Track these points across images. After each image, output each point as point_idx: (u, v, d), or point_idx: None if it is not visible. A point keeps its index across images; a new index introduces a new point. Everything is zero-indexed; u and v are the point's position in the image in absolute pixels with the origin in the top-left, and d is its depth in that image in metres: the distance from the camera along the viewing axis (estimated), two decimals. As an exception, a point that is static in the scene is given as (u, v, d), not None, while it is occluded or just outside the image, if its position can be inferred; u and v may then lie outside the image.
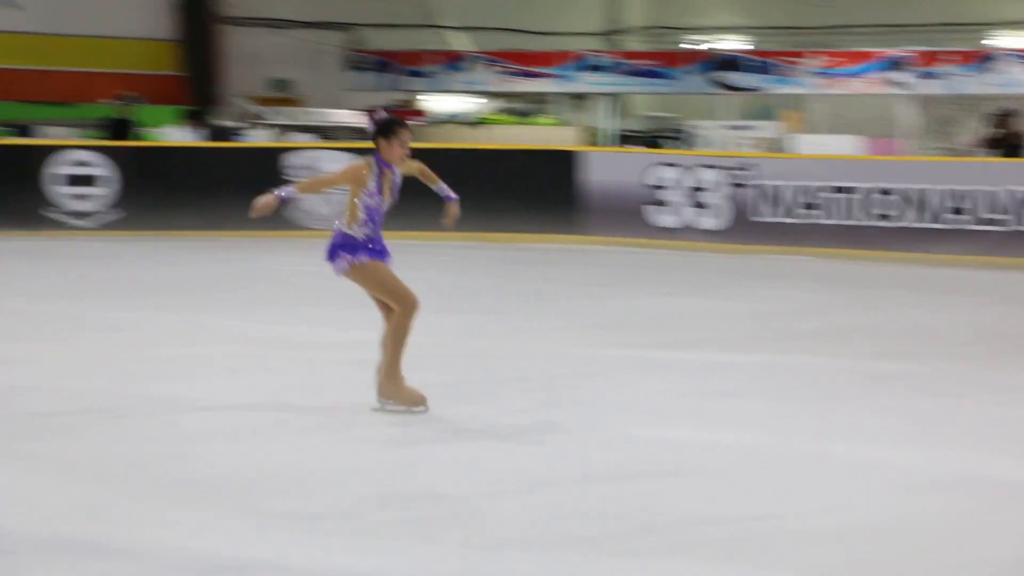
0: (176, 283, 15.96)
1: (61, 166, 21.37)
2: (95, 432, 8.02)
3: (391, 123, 8.46)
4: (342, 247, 8.37)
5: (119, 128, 23.15)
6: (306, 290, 15.08)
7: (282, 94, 29.15)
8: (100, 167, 21.49)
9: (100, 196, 21.43)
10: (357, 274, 8.41)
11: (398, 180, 8.55)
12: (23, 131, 23.84)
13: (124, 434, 7.99)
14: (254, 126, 24.95)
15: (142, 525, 6.02)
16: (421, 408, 8.48)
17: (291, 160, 21.69)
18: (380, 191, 8.41)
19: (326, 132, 25.07)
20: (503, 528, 6.14)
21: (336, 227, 8.43)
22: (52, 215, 21.28)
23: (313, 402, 8.92)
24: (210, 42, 28.75)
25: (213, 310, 13.49)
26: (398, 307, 8.39)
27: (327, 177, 8.89)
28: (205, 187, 21.45)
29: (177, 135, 23.44)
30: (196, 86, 27.98)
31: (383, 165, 8.43)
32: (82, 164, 21.46)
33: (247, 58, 29.19)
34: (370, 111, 8.88)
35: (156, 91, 26.83)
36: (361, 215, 8.35)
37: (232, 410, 8.66)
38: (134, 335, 11.71)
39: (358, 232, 8.36)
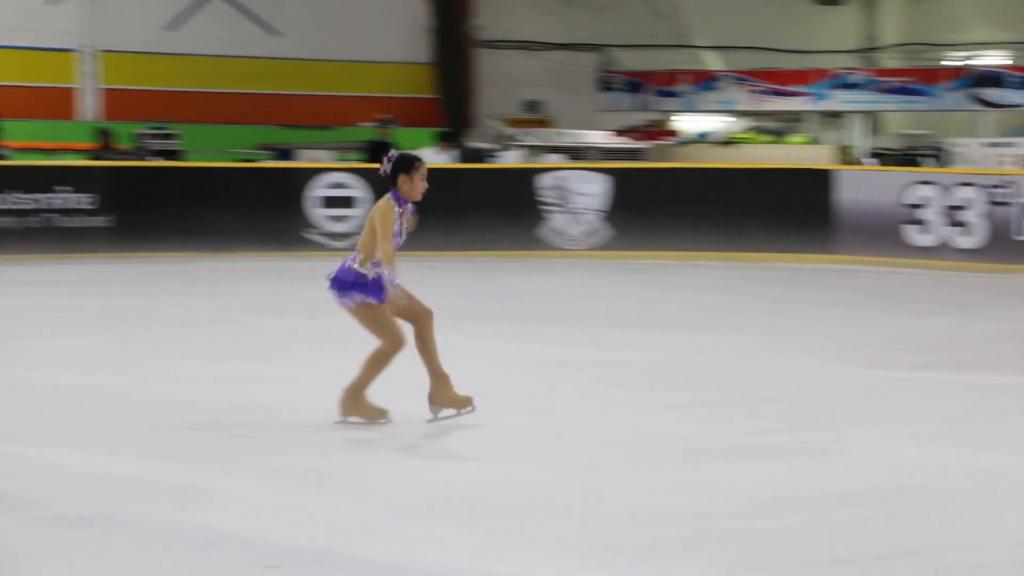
0: (425, 303, 16.06)
1: (320, 188, 21.76)
2: (346, 448, 8.09)
3: (411, 159, 8.60)
4: (354, 286, 8.42)
5: (378, 151, 23.42)
6: (551, 309, 15.08)
7: (534, 115, 29.31)
8: (357, 189, 21.82)
9: (356, 217, 21.76)
10: (361, 312, 8.48)
11: (412, 214, 8.70)
12: (284, 155, 24.35)
13: (373, 451, 8.04)
14: (506, 147, 25.10)
15: (400, 541, 6.03)
16: (383, 421, 8.44)
17: (543, 181, 21.76)
18: (401, 231, 8.53)
19: (577, 153, 25.11)
20: (758, 550, 6.01)
21: (348, 264, 8.46)
22: (311, 236, 21.68)
23: (556, 421, 8.87)
24: (464, 65, 29.04)
25: (459, 329, 13.52)
26: (387, 344, 8.45)
27: (385, 234, 8.51)
28: (457, 208, 21.62)
29: (429, 157, 23.68)
30: (450, 108, 28.28)
31: (401, 203, 8.52)
32: (340, 186, 21.82)
33: (500, 80, 29.42)
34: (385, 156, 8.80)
35: (411, 114, 27.18)
36: (377, 257, 8.39)
37: (487, 428, 8.65)
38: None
39: (370, 272, 8.38)
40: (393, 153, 8.67)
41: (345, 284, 8.43)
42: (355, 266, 8.40)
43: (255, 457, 7.75)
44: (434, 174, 23.73)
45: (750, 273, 19.50)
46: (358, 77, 28.92)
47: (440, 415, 8.47)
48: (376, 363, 8.46)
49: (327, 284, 8.52)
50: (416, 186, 8.54)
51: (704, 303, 15.97)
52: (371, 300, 8.38)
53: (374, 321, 8.45)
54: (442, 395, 8.46)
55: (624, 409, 8.73)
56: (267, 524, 6.26)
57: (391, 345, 8.43)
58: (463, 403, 8.49)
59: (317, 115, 27.90)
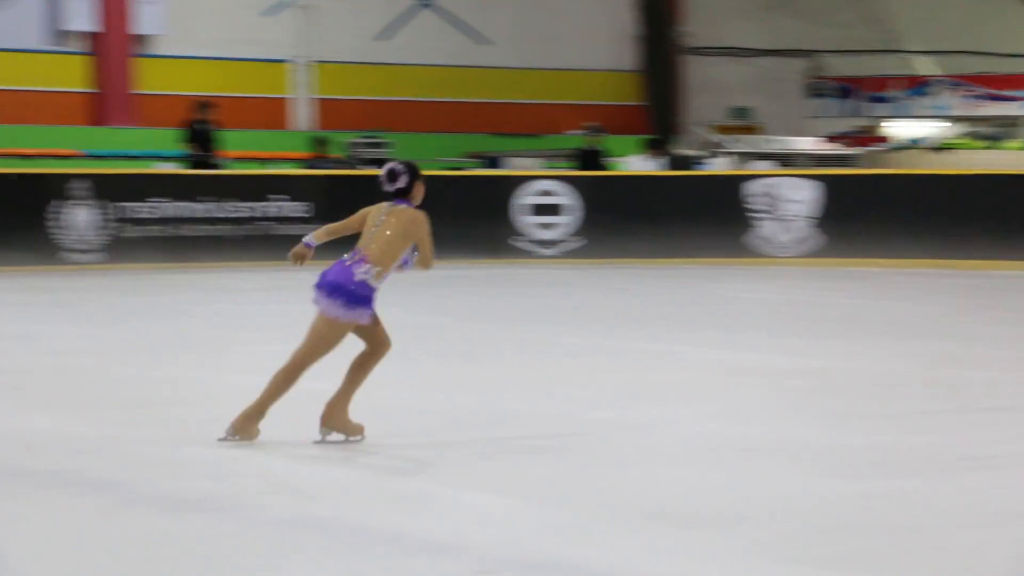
0: (631, 310, 16.04)
1: (528, 196, 21.81)
2: (557, 455, 8.04)
3: (415, 165, 8.22)
4: (368, 301, 7.96)
5: (588, 158, 23.44)
6: (759, 317, 14.90)
7: (742, 122, 29.09)
8: (564, 196, 21.84)
9: (564, 225, 21.78)
10: (337, 327, 7.98)
11: None
12: (492, 163, 24.47)
13: (583, 457, 7.97)
14: (714, 154, 24.93)
15: (618, 548, 5.96)
16: (358, 438, 8.01)
17: (751, 188, 21.54)
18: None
19: (787, 159, 24.85)
20: (981, 563, 5.82)
21: (362, 276, 7.90)
22: (519, 244, 21.74)
23: (767, 429, 8.73)
24: (671, 72, 28.95)
25: (667, 337, 13.44)
26: (379, 350, 8.11)
27: (432, 247, 8.20)
28: (664, 215, 21.53)
29: (637, 164, 23.64)
30: (657, 115, 28.20)
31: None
32: (547, 194, 21.86)
33: (708, 87, 29.28)
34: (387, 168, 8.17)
35: (618, 121, 27.16)
36: (392, 272, 8.03)
37: (684, 436, 8.55)
38: (589, 360, 11.78)
39: (376, 287, 7.97)
40: (398, 164, 8.15)
41: (357, 297, 7.92)
42: (371, 281, 7.93)
43: (471, 464, 7.75)
44: (642, 181, 23.95)
45: (966, 281, 19.09)
46: (566, 85, 28.98)
47: (328, 436, 7.98)
48: (364, 373, 8.13)
49: (324, 292, 7.92)
50: (422, 191, 8.20)
51: (920, 311, 15.67)
52: (373, 315, 8.03)
53: (329, 340, 8.00)
54: (338, 418, 7.97)
55: (839, 419, 8.54)
56: (483, 531, 6.24)
57: (293, 368, 8.03)
58: (355, 431, 8.00)
59: (525, 123, 28.00)
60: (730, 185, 21.97)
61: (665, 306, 16.63)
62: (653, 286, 18.77)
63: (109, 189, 20.18)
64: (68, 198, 19.99)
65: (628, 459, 7.91)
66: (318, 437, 7.94)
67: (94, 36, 25.45)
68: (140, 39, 25.79)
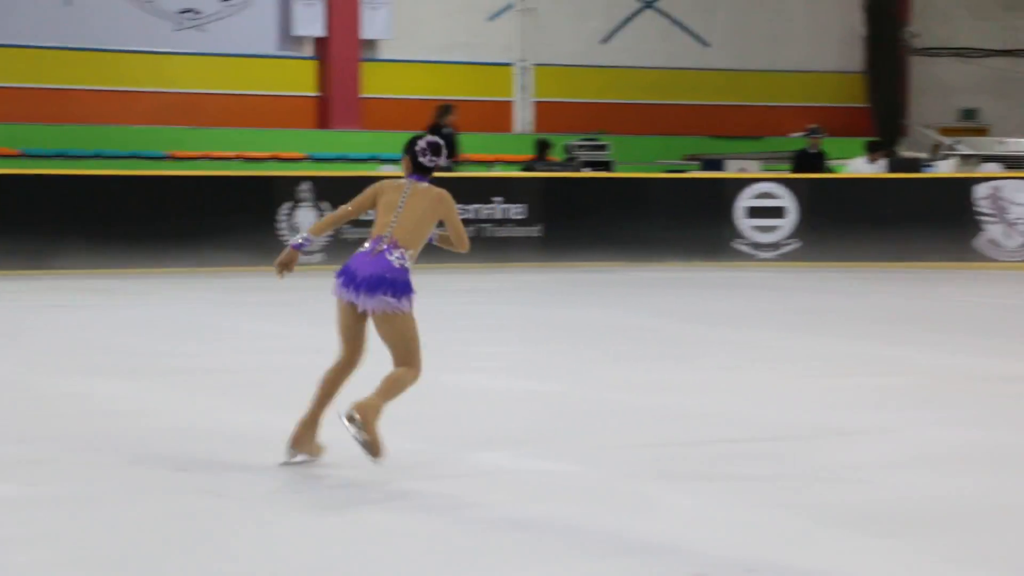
0: (854, 313, 15.84)
1: (748, 198, 21.66)
2: (779, 459, 7.98)
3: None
4: (410, 286, 7.25)
5: (809, 161, 23.18)
6: (988, 322, 14.58)
7: (970, 124, 28.51)
8: (785, 199, 21.65)
9: (782, 227, 21.60)
10: (400, 322, 7.25)
11: None
12: (712, 165, 24.34)
13: (807, 461, 7.89)
14: (941, 157, 24.48)
15: (832, 552, 5.90)
16: (320, 457, 7.36)
17: (978, 191, 21.12)
18: None
19: (1017, 162, 24.28)
20: None
21: (399, 263, 7.20)
22: (739, 247, 21.60)
23: (994, 434, 8.55)
24: (897, 73, 28.48)
25: (897, 340, 13.25)
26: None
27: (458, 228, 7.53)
28: (886, 218, 21.23)
29: (858, 167, 23.33)
30: (881, 117, 27.76)
31: None
32: (767, 196, 21.69)
33: (934, 88, 28.78)
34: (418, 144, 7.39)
35: (840, 123, 26.86)
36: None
37: (923, 441, 8.41)
38: (815, 364, 11.66)
39: (410, 269, 7.30)
40: (435, 139, 7.40)
41: (400, 286, 7.19)
42: (406, 264, 7.23)
43: (686, 466, 7.73)
44: (864, 184, 23.57)
45: None
46: (787, 87, 28.69)
47: (295, 459, 7.34)
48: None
49: (365, 290, 7.13)
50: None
51: None
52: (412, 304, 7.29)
53: (413, 334, 7.30)
54: (307, 441, 7.31)
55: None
56: (699, 532, 6.22)
57: (416, 371, 7.33)
58: (318, 452, 7.36)
59: (746, 125, 27.79)
60: (956, 188, 21.59)
61: (890, 310, 16.38)
62: (876, 290, 18.48)
63: (332, 192, 20.52)
64: (294, 200, 20.38)
65: (830, 463, 7.79)
66: (356, 439, 7.10)
67: (323, 41, 25.89)
68: (366, 44, 26.16)
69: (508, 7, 27.03)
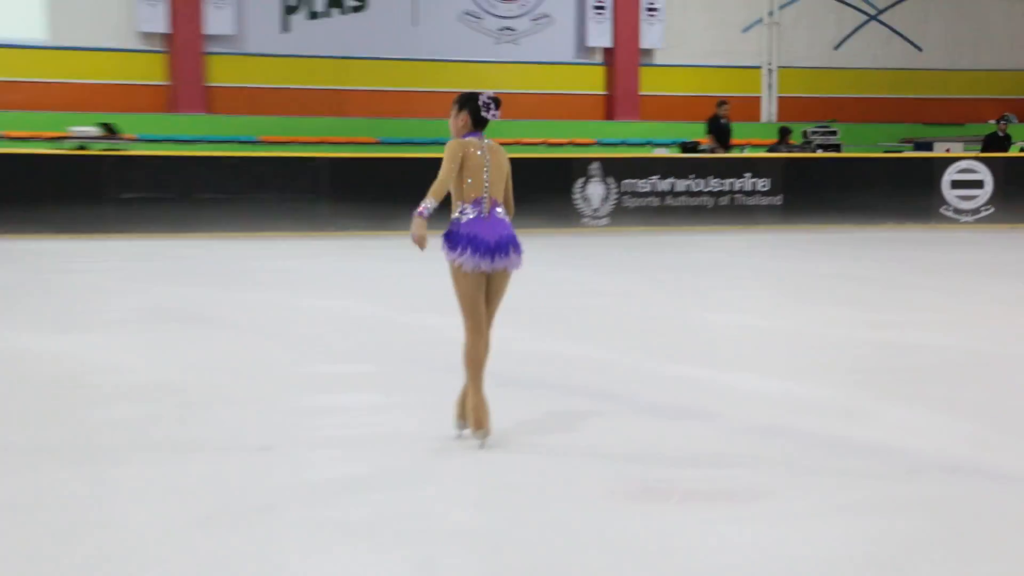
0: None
1: (951, 173, 21.21)
2: (977, 378, 7.76)
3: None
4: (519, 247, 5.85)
5: (998, 142, 22.76)
6: None
7: None
8: (981, 173, 21.13)
9: (980, 196, 21.09)
10: (506, 279, 5.89)
11: None
12: (923, 147, 23.89)
13: (999, 381, 7.67)
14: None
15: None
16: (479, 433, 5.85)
17: None
18: None
19: None
20: None
21: (506, 218, 5.87)
22: (944, 212, 21.16)
23: None
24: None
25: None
26: (474, 333, 5.84)
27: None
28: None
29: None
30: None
31: None
32: (968, 171, 21.16)
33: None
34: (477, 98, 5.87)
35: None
36: None
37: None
38: (1007, 303, 11.31)
39: None
40: (495, 94, 5.89)
41: (517, 241, 5.87)
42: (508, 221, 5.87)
43: (893, 384, 7.59)
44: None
45: None
46: (987, 83, 27.77)
47: (464, 431, 5.96)
48: (469, 362, 5.84)
49: (507, 252, 5.77)
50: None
51: None
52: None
53: (506, 290, 5.95)
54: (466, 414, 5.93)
55: None
56: (912, 439, 6.16)
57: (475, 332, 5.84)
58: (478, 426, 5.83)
59: (951, 115, 27.09)
60: None
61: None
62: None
63: (616, 169, 20.63)
64: (586, 176, 20.56)
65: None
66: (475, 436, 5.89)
67: (610, 51, 25.97)
68: (644, 52, 26.15)
69: (758, 21, 26.76)
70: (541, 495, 5.13)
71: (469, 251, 5.64)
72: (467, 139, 5.80)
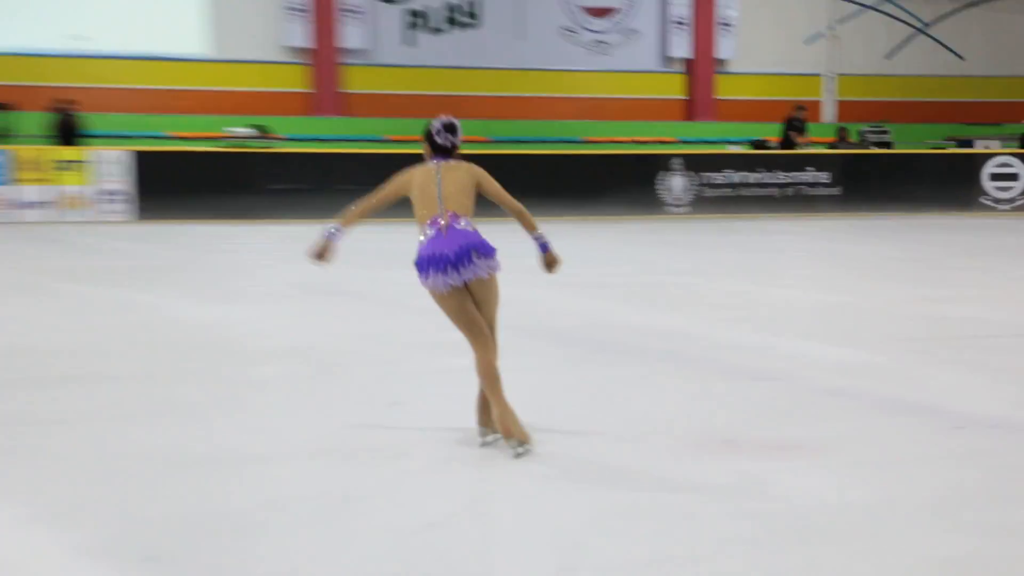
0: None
1: (991, 167, 20.83)
2: (1010, 350, 7.58)
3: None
4: (491, 246, 5.00)
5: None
6: None
7: None
8: (1017, 168, 20.71)
9: (1016, 188, 20.69)
10: (495, 279, 5.03)
11: None
12: (965, 144, 23.50)
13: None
14: None
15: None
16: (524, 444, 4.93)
17: None
18: None
19: None
20: None
21: (469, 227, 5.00)
22: (984, 201, 20.74)
23: None
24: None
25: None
26: (481, 348, 5.03)
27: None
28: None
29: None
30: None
31: None
32: (1005, 165, 20.77)
33: None
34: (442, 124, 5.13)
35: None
36: None
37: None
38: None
39: None
40: (449, 120, 5.10)
41: (485, 246, 4.96)
42: (474, 227, 5.01)
43: (946, 354, 7.40)
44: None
45: None
46: (1022, 88, 27.18)
47: (488, 439, 5.13)
48: (484, 377, 4.99)
49: (473, 260, 4.90)
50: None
51: None
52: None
53: (496, 294, 5.06)
54: (490, 420, 5.12)
55: None
56: (956, 399, 6.05)
57: (484, 349, 5.03)
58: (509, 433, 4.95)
59: (991, 116, 26.53)
60: None
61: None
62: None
63: (695, 164, 20.46)
64: (669, 170, 20.42)
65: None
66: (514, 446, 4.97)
67: (689, 61, 25.76)
68: (719, 61, 25.91)
69: (819, 34, 26.38)
70: (642, 442, 5.10)
71: (432, 271, 4.89)
72: (422, 167, 5.11)
